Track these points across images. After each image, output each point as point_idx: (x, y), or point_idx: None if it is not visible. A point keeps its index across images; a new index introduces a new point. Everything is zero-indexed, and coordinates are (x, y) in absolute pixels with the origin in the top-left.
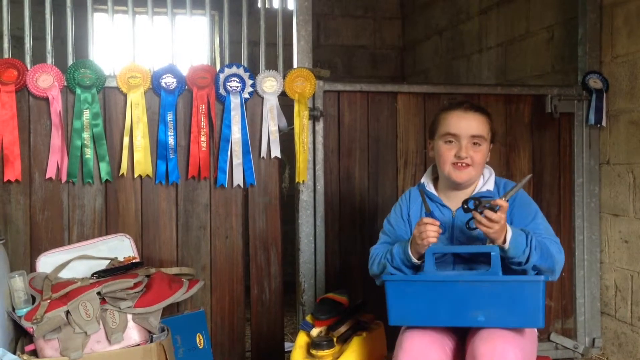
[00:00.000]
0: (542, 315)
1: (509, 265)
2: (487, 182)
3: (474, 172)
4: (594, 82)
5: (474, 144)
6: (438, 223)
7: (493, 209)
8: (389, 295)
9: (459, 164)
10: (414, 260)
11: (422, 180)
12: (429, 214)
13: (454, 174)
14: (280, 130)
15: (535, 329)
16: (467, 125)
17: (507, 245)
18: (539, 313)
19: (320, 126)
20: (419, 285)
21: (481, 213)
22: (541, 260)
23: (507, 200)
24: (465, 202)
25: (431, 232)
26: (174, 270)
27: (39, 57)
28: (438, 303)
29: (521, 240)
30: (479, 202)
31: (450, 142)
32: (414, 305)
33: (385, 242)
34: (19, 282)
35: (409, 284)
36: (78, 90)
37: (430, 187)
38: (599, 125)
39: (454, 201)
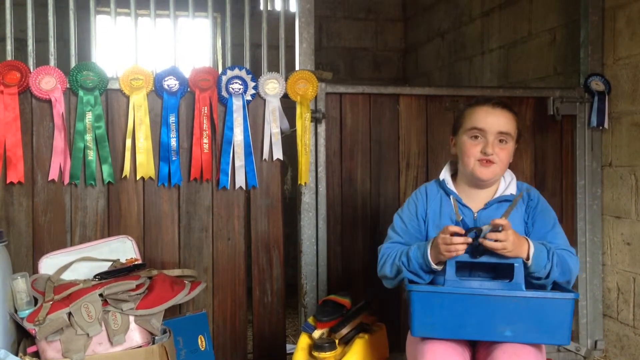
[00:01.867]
0: (569, 332)
1: (527, 278)
2: (509, 185)
3: (498, 170)
4: (596, 85)
5: (500, 141)
6: (463, 231)
7: (496, 230)
8: (414, 306)
9: (485, 161)
10: (434, 266)
11: (441, 177)
12: (459, 222)
13: (479, 170)
14: (282, 132)
15: None
16: (495, 120)
17: (530, 262)
18: (567, 330)
19: (322, 128)
20: (447, 297)
21: (485, 238)
22: (561, 275)
23: (507, 218)
24: (465, 234)
25: (460, 245)
26: (176, 272)
27: (41, 59)
28: (465, 316)
29: (543, 256)
30: (480, 230)
31: (476, 137)
32: (440, 317)
33: (397, 241)
34: (21, 283)
35: (437, 295)
36: (81, 93)
37: (450, 185)
38: (601, 128)
39: (475, 201)
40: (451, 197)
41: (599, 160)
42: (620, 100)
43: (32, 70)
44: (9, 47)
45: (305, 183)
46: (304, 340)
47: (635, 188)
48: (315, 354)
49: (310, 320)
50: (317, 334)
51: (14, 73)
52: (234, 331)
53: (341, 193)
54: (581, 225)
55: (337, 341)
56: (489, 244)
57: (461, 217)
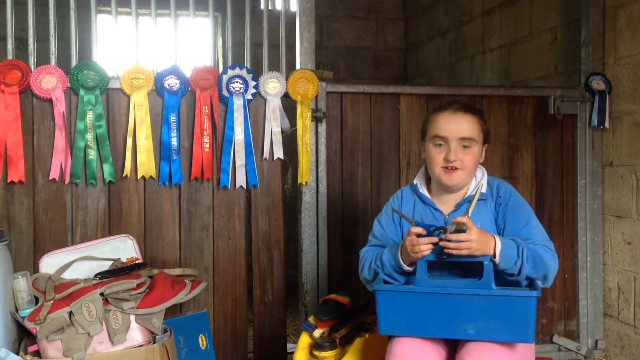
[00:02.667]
0: (533, 330)
1: (501, 274)
2: (479, 183)
3: (464, 175)
4: (597, 84)
5: (464, 146)
6: (425, 232)
7: (461, 230)
8: (379, 305)
9: (449, 168)
10: (406, 267)
11: (415, 181)
12: (418, 223)
13: (444, 177)
14: (283, 132)
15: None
16: (455, 127)
17: (497, 260)
18: (530, 328)
19: (323, 127)
20: (410, 295)
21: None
22: (534, 270)
23: (470, 217)
24: (430, 234)
25: (424, 246)
26: (177, 271)
27: (42, 59)
28: (428, 314)
29: (512, 252)
30: (444, 230)
31: (440, 145)
32: (404, 316)
33: (375, 245)
34: (22, 282)
35: (400, 294)
36: (81, 92)
37: (423, 189)
38: (601, 127)
39: (446, 204)
40: (394, 210)
41: (600, 159)
42: (621, 100)
43: (32, 70)
44: (10, 46)
45: (306, 182)
46: (304, 340)
47: (636, 187)
48: (316, 353)
49: (311, 319)
50: (317, 333)
51: (14, 72)
52: (235, 330)
53: (342, 192)
54: (582, 225)
55: (337, 340)
56: (452, 245)
57: (414, 221)
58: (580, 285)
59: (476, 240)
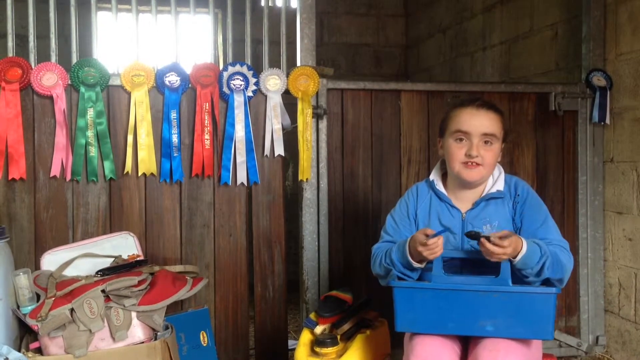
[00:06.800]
0: (552, 327)
1: (517, 273)
2: (496, 181)
3: (484, 172)
4: (598, 80)
5: (486, 142)
6: (442, 238)
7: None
8: (396, 302)
9: (470, 163)
10: (415, 265)
11: (431, 177)
12: (437, 233)
13: (465, 172)
14: (283, 129)
15: None
16: (479, 123)
17: (516, 260)
18: (549, 325)
19: (323, 124)
20: (428, 292)
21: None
22: (552, 274)
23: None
24: (472, 236)
25: (441, 245)
26: (178, 268)
27: (43, 56)
28: (447, 311)
29: (534, 257)
30: (485, 235)
31: (461, 140)
32: (422, 313)
33: (387, 240)
34: (23, 279)
35: (418, 291)
36: (82, 89)
37: (439, 186)
38: (602, 123)
39: (463, 202)
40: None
41: (601, 155)
42: (622, 96)
43: (33, 67)
44: (10, 43)
45: (306, 179)
46: (305, 336)
47: (636, 184)
48: (317, 349)
49: (312, 316)
50: (319, 329)
51: (15, 69)
52: (236, 327)
53: (342, 189)
54: (583, 221)
55: (338, 337)
56: (490, 251)
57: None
58: (581, 281)
59: (508, 254)
